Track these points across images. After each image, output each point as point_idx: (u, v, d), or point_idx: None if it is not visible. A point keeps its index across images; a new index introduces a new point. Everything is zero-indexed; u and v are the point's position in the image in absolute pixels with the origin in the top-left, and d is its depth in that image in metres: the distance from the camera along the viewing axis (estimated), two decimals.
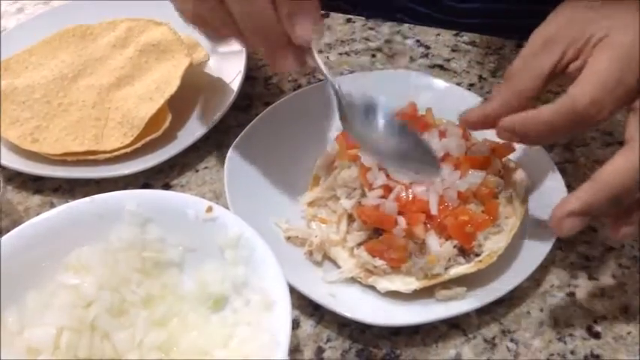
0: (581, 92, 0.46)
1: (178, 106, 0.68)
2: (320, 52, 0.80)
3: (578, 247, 0.58)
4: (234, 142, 0.63)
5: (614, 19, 0.47)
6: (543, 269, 0.55)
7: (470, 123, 0.53)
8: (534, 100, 0.50)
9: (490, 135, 0.57)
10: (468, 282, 0.53)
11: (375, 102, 0.49)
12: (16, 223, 0.51)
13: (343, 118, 0.49)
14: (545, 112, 0.47)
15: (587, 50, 0.48)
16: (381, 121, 0.48)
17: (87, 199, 0.51)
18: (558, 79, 0.50)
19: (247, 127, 0.65)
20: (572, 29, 0.49)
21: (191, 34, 0.74)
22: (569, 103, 0.46)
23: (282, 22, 0.48)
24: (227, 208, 0.54)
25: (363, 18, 0.85)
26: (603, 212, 0.46)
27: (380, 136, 0.48)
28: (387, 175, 0.54)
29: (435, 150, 0.53)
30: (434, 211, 0.53)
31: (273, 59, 0.51)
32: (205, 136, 0.67)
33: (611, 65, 0.46)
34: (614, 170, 0.44)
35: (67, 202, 0.51)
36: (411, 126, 0.50)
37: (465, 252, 0.54)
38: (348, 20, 0.85)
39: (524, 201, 0.56)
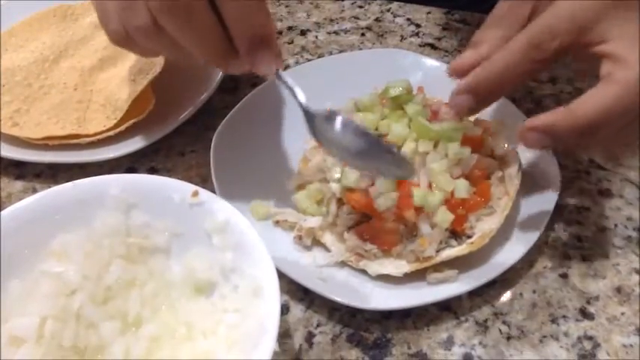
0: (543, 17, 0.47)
1: (163, 88, 0.67)
2: (308, 31, 0.79)
3: (570, 227, 0.57)
4: (221, 125, 0.62)
5: None
6: (536, 250, 0.55)
7: (454, 73, 0.53)
8: None
9: (483, 115, 0.56)
10: (460, 264, 0.52)
11: (335, 111, 0.51)
12: None
13: (310, 126, 0.50)
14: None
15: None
16: (340, 126, 0.49)
17: (70, 184, 0.50)
18: None
19: (234, 110, 0.63)
20: None
21: None
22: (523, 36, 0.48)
23: (241, 56, 0.48)
24: (214, 192, 0.52)
25: None
26: (567, 141, 0.47)
27: (342, 138, 0.49)
28: None
29: (402, 152, 0.54)
30: None
31: (223, 66, 0.51)
32: (191, 119, 0.66)
33: (563, 10, 0.47)
34: (586, 102, 0.45)
35: (50, 187, 0.50)
36: (369, 132, 0.52)
37: (457, 234, 0.53)
38: None
39: (517, 181, 0.56)
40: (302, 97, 0.50)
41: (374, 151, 0.49)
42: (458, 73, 0.52)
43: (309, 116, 0.50)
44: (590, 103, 0.45)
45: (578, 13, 0.47)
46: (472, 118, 0.58)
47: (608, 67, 0.46)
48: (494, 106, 0.61)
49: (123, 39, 0.51)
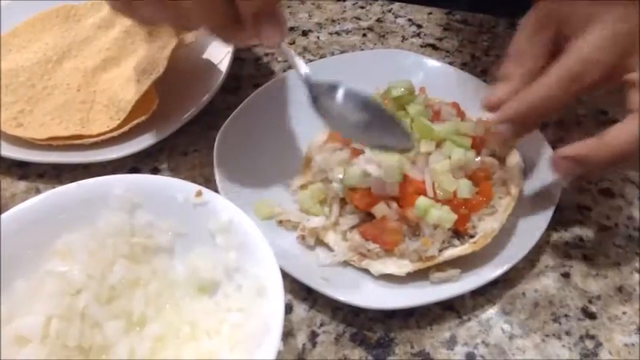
0: (578, 48, 0.48)
1: (166, 88, 0.67)
2: (309, 31, 0.79)
3: (572, 227, 0.57)
4: (224, 125, 0.62)
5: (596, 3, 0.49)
6: (538, 250, 0.55)
7: (491, 108, 0.54)
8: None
9: (485, 115, 0.56)
10: (462, 264, 0.52)
11: (338, 82, 0.51)
12: (1, 210, 0.50)
13: (313, 101, 0.50)
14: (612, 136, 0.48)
15: (579, 29, 0.49)
16: (343, 97, 0.50)
17: (74, 184, 0.50)
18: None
19: (237, 110, 0.64)
20: (562, 9, 0.51)
21: None
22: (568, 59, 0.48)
23: (246, 28, 0.47)
24: (217, 192, 0.53)
25: None
26: (596, 170, 0.50)
27: (344, 110, 0.50)
28: None
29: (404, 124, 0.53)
30: (430, 193, 0.52)
31: (229, 37, 0.50)
32: (194, 119, 0.66)
33: (601, 40, 0.48)
34: (618, 135, 0.47)
35: (54, 187, 0.50)
36: (374, 99, 0.52)
37: (459, 234, 0.53)
38: None
39: (519, 181, 0.56)
40: (304, 68, 0.50)
41: (377, 122, 0.49)
42: (491, 108, 0.54)
43: (311, 88, 0.49)
44: (623, 135, 0.46)
45: (619, 40, 0.47)
46: (474, 118, 0.59)
47: (637, 97, 0.46)
48: None
49: (124, 5, 0.49)
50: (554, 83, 0.48)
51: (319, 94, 0.50)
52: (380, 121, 0.50)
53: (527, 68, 0.52)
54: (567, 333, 0.51)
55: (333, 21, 0.81)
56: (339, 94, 0.49)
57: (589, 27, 0.48)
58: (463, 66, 0.73)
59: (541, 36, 0.51)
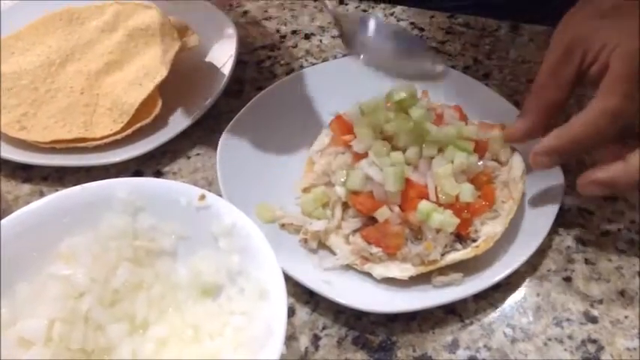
0: (611, 91, 0.49)
1: (169, 91, 0.67)
2: (312, 35, 0.79)
3: (574, 231, 0.57)
4: (227, 128, 0.62)
5: (621, 27, 0.51)
6: (540, 254, 0.55)
7: (515, 140, 0.57)
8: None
9: (487, 120, 0.56)
10: (465, 268, 0.52)
11: (367, 15, 0.52)
12: (5, 213, 0.50)
13: (344, 39, 0.50)
14: (576, 122, 0.50)
15: (603, 56, 0.51)
16: (375, 28, 0.51)
17: (77, 187, 0.50)
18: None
19: (239, 113, 0.64)
20: (587, 37, 0.52)
21: (181, 17, 0.72)
22: (601, 105, 0.49)
23: None
24: (220, 195, 0.53)
25: (357, 0, 0.83)
26: (570, 154, 0.52)
27: (377, 41, 0.51)
28: None
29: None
30: (432, 197, 0.52)
31: None
32: (197, 122, 0.66)
33: (629, 69, 0.49)
34: (580, 119, 0.50)
35: (57, 190, 0.50)
36: (403, 28, 0.52)
37: (462, 238, 0.53)
38: (341, 2, 0.83)
39: (521, 185, 0.56)
40: (332, 5, 0.50)
41: (409, 50, 0.49)
42: (512, 141, 0.56)
43: (339, 20, 0.49)
44: (582, 120, 0.49)
45: None
46: (477, 122, 0.59)
47: None
48: (498, 110, 0.62)
49: None
50: (597, 121, 0.49)
51: (350, 31, 0.50)
52: (410, 48, 0.50)
53: (550, 101, 0.54)
54: (569, 337, 0.51)
55: (336, 24, 0.81)
56: (371, 26, 0.50)
57: (614, 55, 0.49)
58: (465, 69, 0.73)
59: (566, 67, 0.52)
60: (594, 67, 0.52)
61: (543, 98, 0.54)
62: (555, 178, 0.57)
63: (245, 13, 0.83)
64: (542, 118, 0.54)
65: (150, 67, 0.67)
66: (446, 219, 0.51)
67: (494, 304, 0.53)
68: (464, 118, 0.59)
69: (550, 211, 0.55)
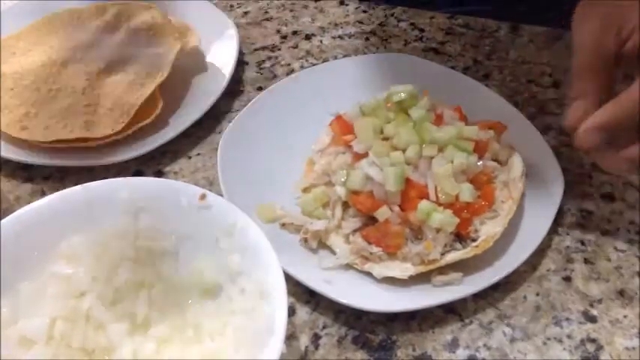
0: None
1: (170, 91, 0.67)
2: (312, 35, 0.80)
3: (573, 231, 0.58)
4: (227, 128, 0.62)
5: None
6: (539, 253, 0.55)
7: (573, 127, 0.52)
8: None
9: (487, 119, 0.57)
10: (465, 267, 0.53)
11: None
12: (6, 212, 0.50)
13: None
14: (625, 97, 0.48)
15: (636, 33, 0.50)
16: None
17: (78, 187, 0.50)
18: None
19: (240, 113, 0.64)
20: (618, 15, 0.51)
21: (182, 18, 0.73)
22: None
23: None
24: (221, 195, 0.53)
25: (357, 1, 0.84)
26: (619, 131, 0.49)
27: None
28: None
29: None
30: (432, 197, 0.52)
31: None
32: (198, 122, 0.67)
33: None
34: (630, 94, 0.47)
35: (58, 190, 0.50)
36: None
37: (462, 237, 0.54)
38: (342, 3, 0.84)
39: (521, 185, 0.56)
40: None
41: None
42: (574, 128, 0.52)
43: None
44: (631, 94, 0.47)
45: None
46: (476, 122, 0.59)
47: None
48: (498, 110, 0.62)
49: None
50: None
51: None
52: None
53: (600, 82, 0.51)
54: (568, 336, 0.51)
55: (336, 25, 0.81)
56: None
57: None
58: (465, 70, 0.73)
59: (608, 43, 0.51)
60: (629, 43, 0.50)
61: (595, 78, 0.52)
62: (554, 178, 0.57)
63: (246, 13, 0.84)
64: (597, 98, 0.51)
65: (151, 67, 0.67)
66: (446, 218, 0.51)
67: (494, 304, 0.53)
68: (464, 118, 0.59)
69: (549, 211, 0.55)
